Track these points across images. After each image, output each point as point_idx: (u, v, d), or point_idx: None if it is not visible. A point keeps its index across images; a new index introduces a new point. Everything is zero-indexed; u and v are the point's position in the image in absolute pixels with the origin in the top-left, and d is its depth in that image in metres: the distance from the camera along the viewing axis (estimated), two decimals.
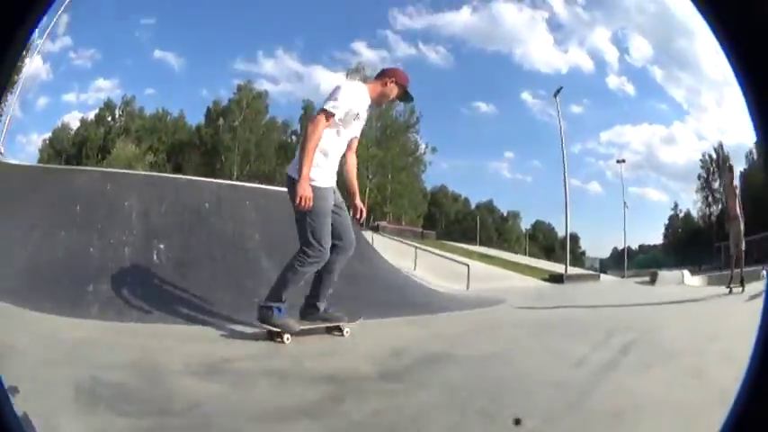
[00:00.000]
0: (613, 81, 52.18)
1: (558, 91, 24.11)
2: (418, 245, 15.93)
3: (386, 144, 41.87)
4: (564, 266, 20.44)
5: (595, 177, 58.06)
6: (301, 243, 3.38)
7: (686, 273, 16.23)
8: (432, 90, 46.98)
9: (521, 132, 55.31)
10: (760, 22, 0.69)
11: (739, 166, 45.82)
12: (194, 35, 47.74)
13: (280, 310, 3.39)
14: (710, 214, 48.46)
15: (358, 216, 3.73)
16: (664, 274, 15.18)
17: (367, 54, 47.37)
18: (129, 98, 40.44)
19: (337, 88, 3.41)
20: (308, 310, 3.66)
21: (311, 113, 32.95)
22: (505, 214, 58.17)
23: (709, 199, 48.96)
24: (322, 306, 3.66)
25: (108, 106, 39.60)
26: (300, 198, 3.21)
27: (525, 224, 59.33)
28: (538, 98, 51.32)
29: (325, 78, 40.83)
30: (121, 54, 41.23)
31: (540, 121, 49.69)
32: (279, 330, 3.42)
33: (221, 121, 41.39)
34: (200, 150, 40.95)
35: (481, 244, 38.03)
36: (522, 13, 50.67)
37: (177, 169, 37.20)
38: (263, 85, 43.75)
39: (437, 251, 16.36)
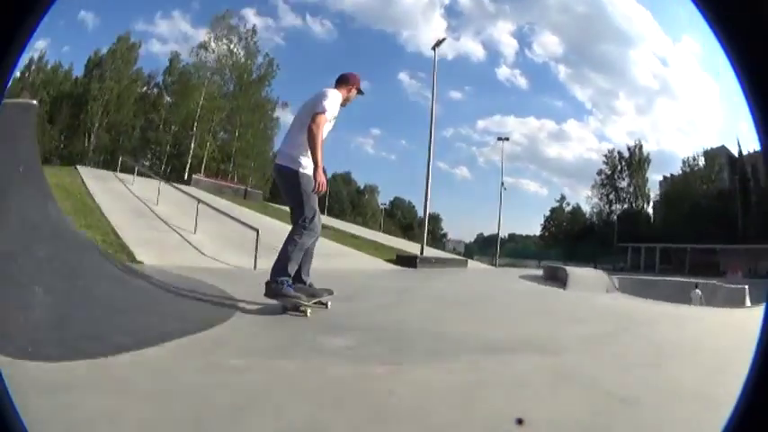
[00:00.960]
0: (504, 72, 55.17)
1: (439, 43, 17.68)
2: (209, 202, 11.77)
3: (237, 97, 39.76)
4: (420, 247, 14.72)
5: (465, 162, 61.26)
6: (300, 220, 3.63)
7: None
8: (308, 63, 49.38)
9: (391, 111, 56.59)
10: (760, 22, 0.70)
11: (660, 173, 45.83)
12: None
13: (289, 283, 3.53)
14: (611, 212, 45.52)
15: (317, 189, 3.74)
16: (576, 274, 9.85)
17: (253, 20, 48.82)
18: (43, 53, 39.77)
19: (326, 94, 3.72)
20: (296, 285, 3.69)
21: (176, 65, 41.73)
22: (362, 187, 55.78)
23: (611, 197, 45.94)
24: (308, 280, 3.80)
25: (28, 65, 38.96)
26: (320, 184, 3.54)
27: (383, 200, 57.07)
28: (415, 79, 53.09)
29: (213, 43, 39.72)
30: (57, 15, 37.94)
31: (414, 102, 51.23)
32: (299, 302, 3.55)
33: (95, 71, 40.20)
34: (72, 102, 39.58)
35: (333, 216, 33.67)
36: None
37: (50, 120, 37.95)
38: (153, 46, 46.37)
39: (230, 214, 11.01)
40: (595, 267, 34.91)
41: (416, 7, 52.74)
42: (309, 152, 3.62)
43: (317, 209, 3.72)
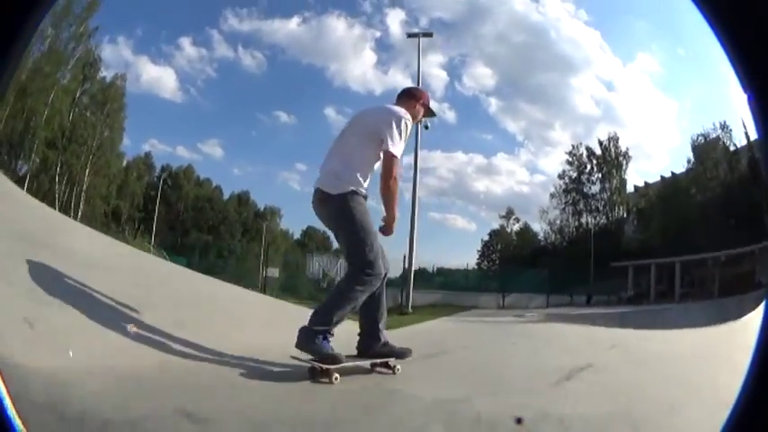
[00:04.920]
0: (431, 106, 49.43)
1: None
2: None
3: None
4: None
5: None
6: (358, 263, 3.07)
7: None
8: (237, 94, 49.42)
9: (316, 146, 54.12)
10: (760, 21, 0.72)
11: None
12: None
13: (326, 338, 2.94)
14: (580, 226, 35.37)
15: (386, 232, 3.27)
16: None
17: (189, 51, 47.65)
18: None
19: (397, 120, 3.18)
20: (369, 342, 3.23)
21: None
22: (262, 209, 50.02)
23: (580, 206, 35.81)
24: (384, 337, 3.26)
25: None
26: (388, 232, 3.18)
27: (296, 228, 52.69)
28: (342, 115, 51.75)
29: (149, 71, 41.00)
30: None
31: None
32: (326, 366, 2.84)
33: None
34: None
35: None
36: (353, 30, 51.15)
37: None
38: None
39: None
40: (589, 301, 24.22)
41: (347, 40, 51.66)
42: (365, 180, 3.17)
43: (379, 246, 3.13)
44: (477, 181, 60.29)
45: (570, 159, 37.06)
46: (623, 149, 35.14)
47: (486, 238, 41.85)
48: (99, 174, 32.98)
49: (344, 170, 3.08)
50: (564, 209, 36.95)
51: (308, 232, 52.36)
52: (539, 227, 39.45)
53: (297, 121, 51.98)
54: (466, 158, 54.11)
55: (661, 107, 44.02)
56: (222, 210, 46.26)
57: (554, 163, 52.72)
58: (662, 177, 33.67)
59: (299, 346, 2.86)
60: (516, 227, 41.66)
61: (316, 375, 2.83)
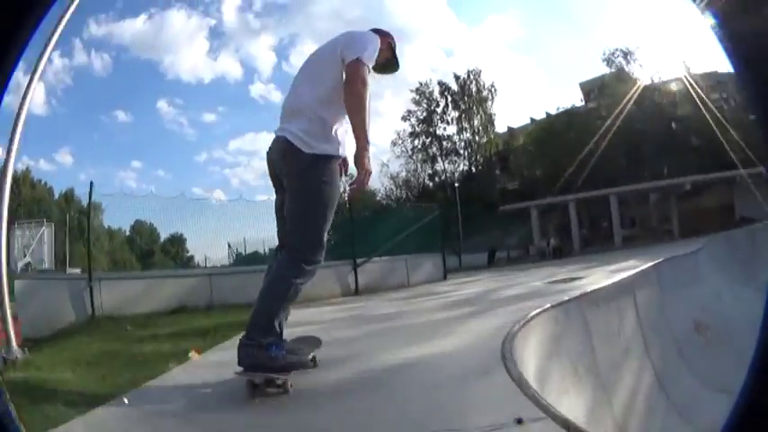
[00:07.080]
0: (258, 89, 56.97)
1: None
2: None
3: None
4: None
5: (219, 185, 60.33)
6: (305, 248, 2.32)
7: None
8: (85, 98, 49.04)
9: (150, 142, 57.75)
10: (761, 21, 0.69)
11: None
12: None
13: (279, 346, 2.26)
14: (435, 174, 29.75)
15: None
16: None
17: (57, 62, 42.49)
18: None
19: (363, 37, 2.46)
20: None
21: None
22: (86, 205, 39.17)
23: (432, 150, 30.15)
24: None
25: None
26: (365, 175, 2.28)
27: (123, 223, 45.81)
28: (173, 106, 55.15)
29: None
30: None
31: (170, 131, 54.08)
32: (278, 377, 2.24)
33: None
34: None
35: None
36: (190, 21, 52.11)
37: None
38: None
39: None
40: (492, 260, 17.87)
41: (184, 31, 52.87)
42: (335, 125, 2.33)
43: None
44: None
45: (417, 98, 31.30)
46: (487, 83, 30.59)
47: None
48: None
49: (316, 121, 2.28)
50: (411, 156, 31.21)
51: (136, 227, 48.13)
52: (378, 184, 33.03)
53: (133, 117, 51.79)
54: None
55: (512, 63, 45.29)
56: (47, 209, 41.77)
57: (383, 133, 52.01)
58: (532, 119, 30.15)
59: (243, 366, 2.20)
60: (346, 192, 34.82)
61: (256, 387, 2.22)
